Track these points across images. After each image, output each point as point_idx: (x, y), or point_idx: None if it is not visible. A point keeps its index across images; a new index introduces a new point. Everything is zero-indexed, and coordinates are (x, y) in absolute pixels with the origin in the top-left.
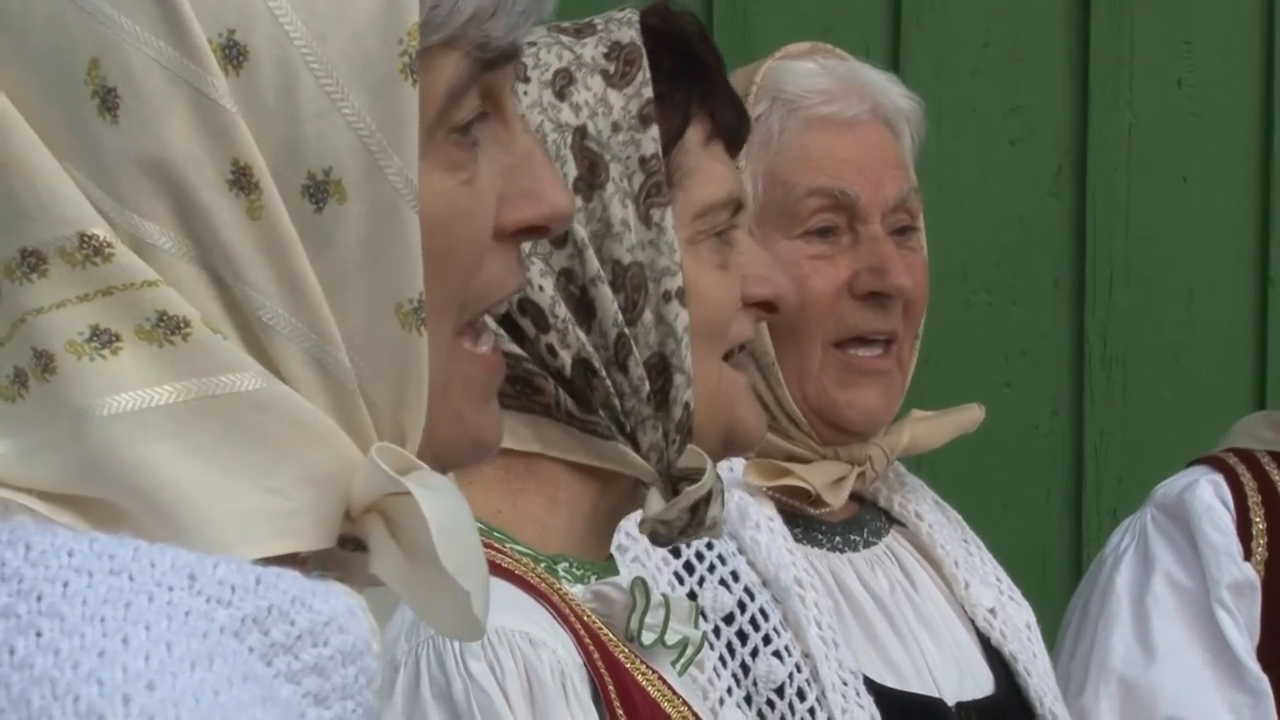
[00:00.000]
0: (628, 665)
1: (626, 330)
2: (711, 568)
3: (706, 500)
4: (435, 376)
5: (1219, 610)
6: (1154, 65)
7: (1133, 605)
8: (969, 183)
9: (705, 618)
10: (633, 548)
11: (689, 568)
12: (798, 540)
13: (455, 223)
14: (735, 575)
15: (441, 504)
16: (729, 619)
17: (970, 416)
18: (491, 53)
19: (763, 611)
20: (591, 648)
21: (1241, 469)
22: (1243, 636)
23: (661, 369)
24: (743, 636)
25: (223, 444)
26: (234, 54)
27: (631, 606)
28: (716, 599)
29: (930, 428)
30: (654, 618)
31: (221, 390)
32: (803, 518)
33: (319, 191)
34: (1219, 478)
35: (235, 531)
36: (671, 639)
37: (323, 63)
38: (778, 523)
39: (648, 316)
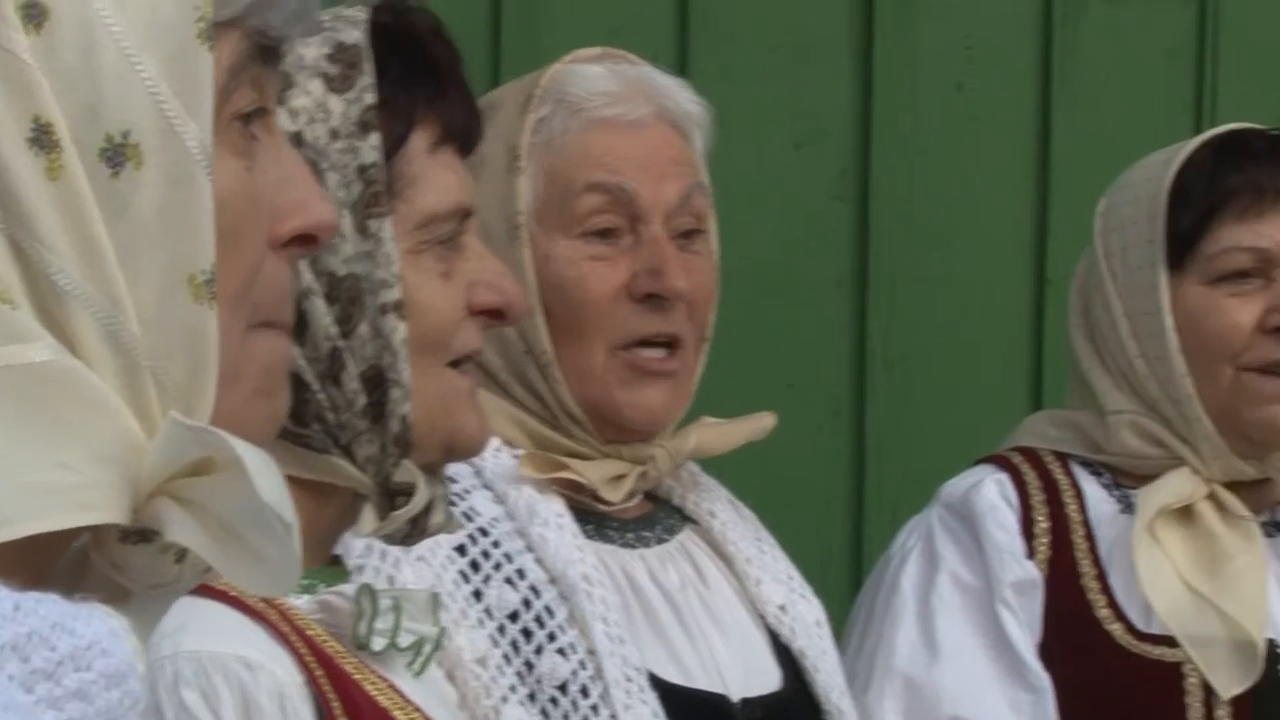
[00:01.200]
0: (356, 677)
1: (341, 343)
2: (497, 566)
3: (427, 510)
4: (225, 362)
5: (1001, 609)
6: (936, 69)
7: (918, 604)
8: (754, 185)
9: (489, 617)
10: (418, 546)
11: (474, 566)
12: (589, 537)
13: (242, 205)
14: (521, 573)
15: (248, 449)
16: (513, 617)
17: (760, 425)
18: (267, 40)
19: (548, 609)
20: (314, 665)
21: (1026, 468)
22: (1024, 634)
23: (378, 382)
24: (527, 634)
25: (11, 417)
26: (34, 13)
27: (359, 614)
28: (501, 597)
29: (718, 434)
30: (386, 622)
31: (11, 361)
32: (594, 515)
33: (116, 155)
34: (1004, 476)
35: (25, 504)
36: (406, 640)
37: (122, 25)
38: (567, 519)
39: (364, 329)
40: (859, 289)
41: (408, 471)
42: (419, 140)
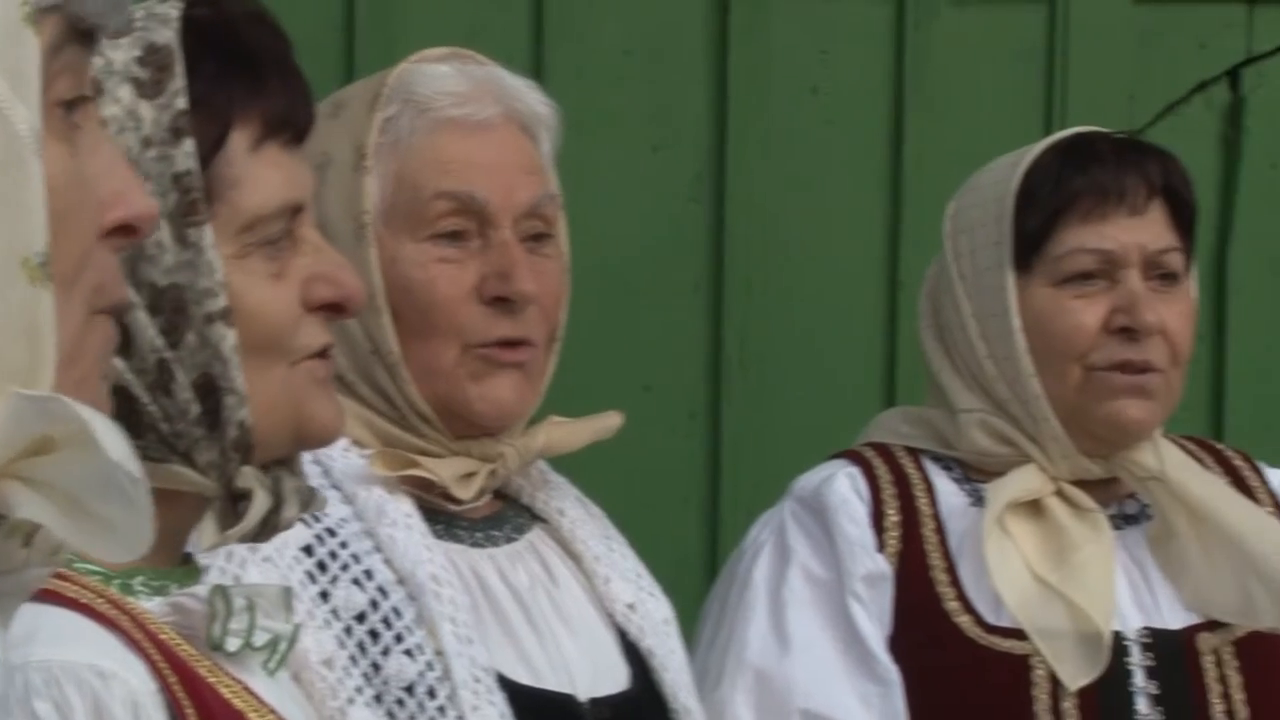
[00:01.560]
0: (211, 680)
1: (168, 354)
2: (345, 566)
3: (277, 509)
4: (63, 344)
5: (852, 602)
6: (791, 73)
7: (769, 597)
8: (611, 187)
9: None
10: (264, 546)
11: (321, 566)
12: (438, 537)
13: (71, 190)
14: (369, 573)
15: (90, 411)
16: (361, 617)
17: (607, 423)
18: (82, 25)
19: (396, 609)
20: (167, 671)
21: (878, 462)
22: (875, 627)
23: (210, 390)
24: (374, 635)
25: None
26: None
27: (212, 615)
28: (349, 598)
29: (566, 432)
30: (240, 622)
31: None
32: (444, 514)
33: None
34: (855, 471)
35: None
36: (261, 639)
37: None
38: (416, 519)
39: (191, 339)
40: (715, 291)
41: (247, 478)
42: (239, 140)
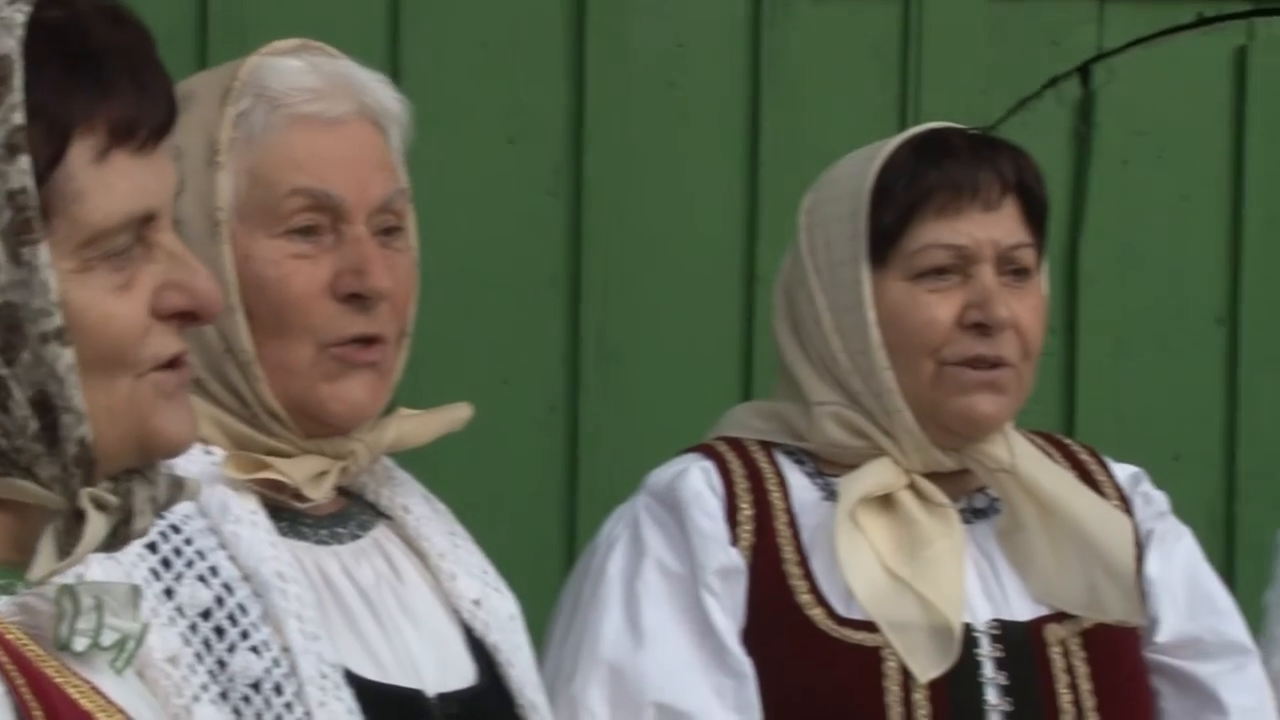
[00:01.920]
0: (58, 680)
1: (4, 372)
2: (190, 563)
3: (128, 521)
4: None
5: (705, 595)
6: (648, 67)
7: (623, 591)
8: (468, 180)
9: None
10: None
11: (166, 563)
12: (283, 534)
13: None
14: (214, 570)
15: None
16: (206, 614)
17: (457, 414)
18: None
19: (241, 606)
20: (14, 672)
21: (731, 456)
22: (728, 620)
23: (47, 408)
24: (219, 632)
25: None
26: None
27: (60, 614)
28: (194, 595)
29: (417, 425)
30: (88, 621)
31: None
32: (288, 511)
33: None
34: (709, 465)
35: None
36: (109, 639)
37: None
38: (261, 516)
39: (26, 357)
40: (573, 285)
41: (84, 500)
42: (81, 151)
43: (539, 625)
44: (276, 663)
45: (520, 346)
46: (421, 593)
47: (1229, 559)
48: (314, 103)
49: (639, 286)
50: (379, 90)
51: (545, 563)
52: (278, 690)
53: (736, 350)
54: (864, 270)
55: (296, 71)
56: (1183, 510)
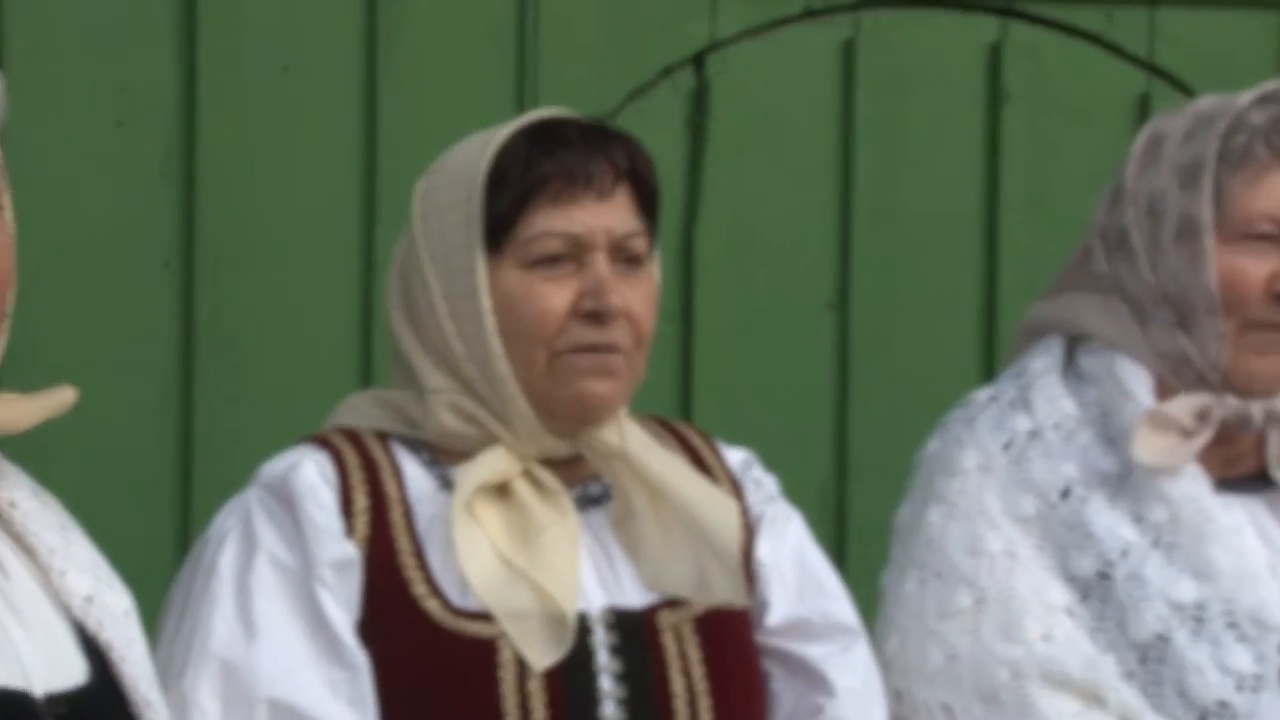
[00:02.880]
0: None
1: None
2: None
3: None
4: None
5: (319, 588)
6: (262, 51)
7: (235, 586)
8: (75, 163)
9: None
10: None
11: None
12: None
13: None
14: None
15: None
16: None
17: (60, 399)
18: None
19: None
20: None
21: (346, 447)
22: (343, 613)
23: None
24: None
25: None
26: None
27: None
28: None
29: (16, 410)
30: None
31: None
32: None
33: None
34: (323, 456)
35: None
36: None
37: None
38: None
39: None
40: (186, 269)
41: None
42: None
43: (154, 620)
44: None
45: (133, 334)
46: (29, 590)
47: (840, 541)
48: None
49: (255, 273)
50: None
51: (160, 556)
52: None
53: (355, 338)
54: (478, 257)
55: None
56: (795, 493)
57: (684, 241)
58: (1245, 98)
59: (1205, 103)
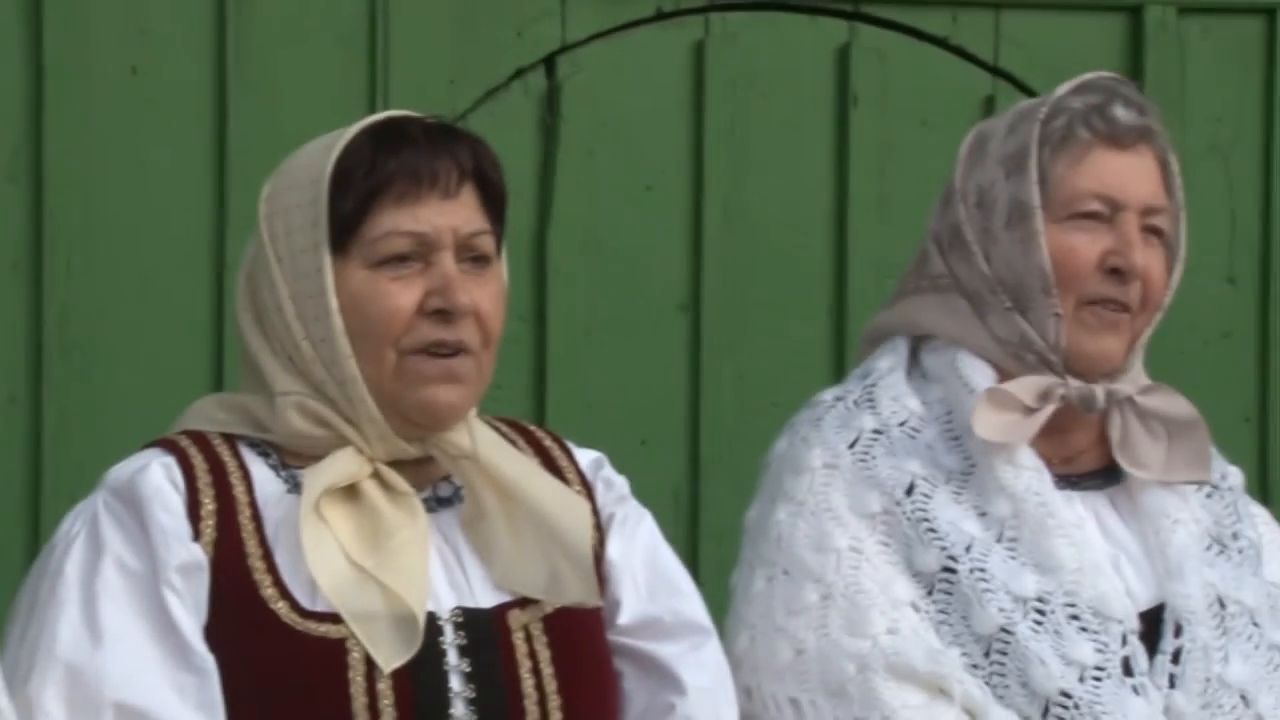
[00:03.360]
0: None
1: None
2: None
3: None
4: None
5: (167, 592)
6: (109, 52)
7: (81, 590)
8: None
9: None
10: None
11: None
12: None
13: None
14: None
15: None
16: None
17: None
18: None
19: None
20: None
21: (193, 451)
22: (190, 617)
23: None
24: None
25: None
26: None
27: None
28: None
29: None
30: None
31: None
32: None
33: None
34: (170, 460)
35: None
36: None
37: None
38: None
39: None
40: (34, 272)
41: None
42: None
43: (1, 625)
44: None
45: None
46: None
47: (693, 541)
48: None
49: (104, 274)
50: None
51: (8, 561)
52: None
53: (207, 340)
54: (325, 258)
55: None
56: (649, 494)
57: (536, 242)
58: (1063, 87)
59: (1024, 103)
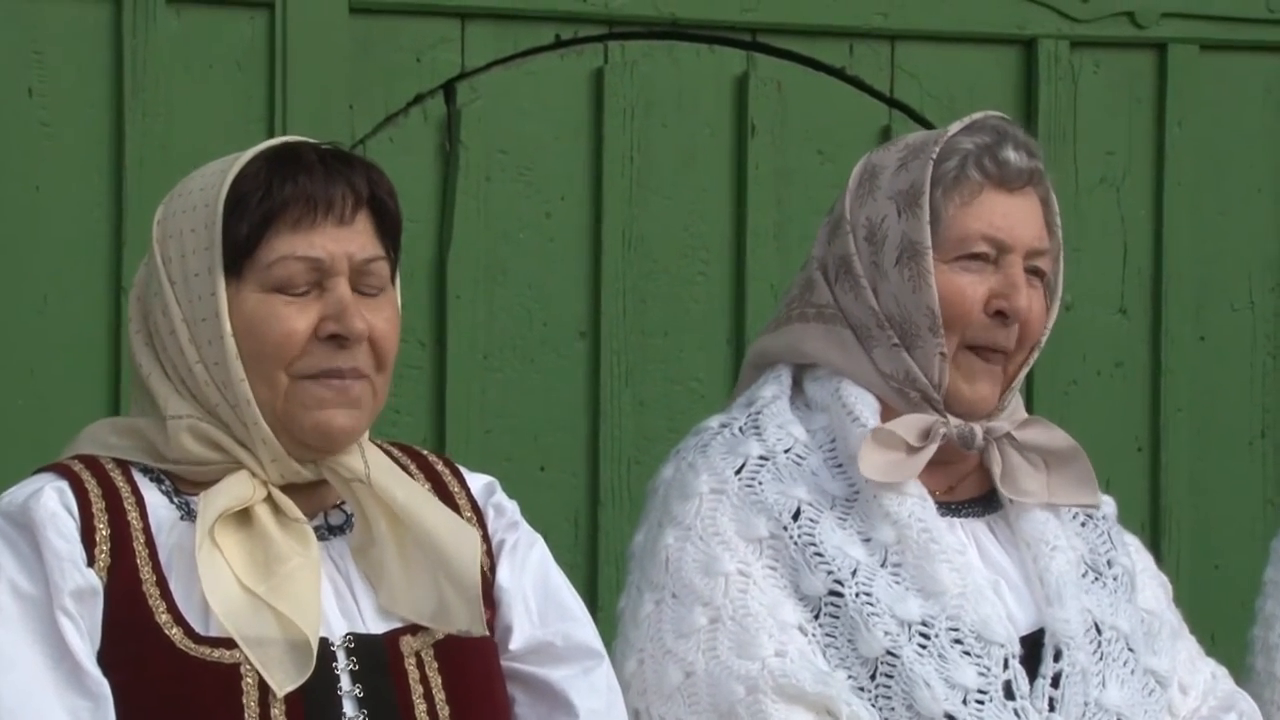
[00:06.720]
0: None
1: None
2: None
3: None
4: None
5: (61, 617)
6: (5, 73)
7: None
8: None
9: None
10: None
11: None
12: None
13: None
14: None
15: None
16: None
17: None
18: None
19: None
20: None
21: (87, 475)
22: (84, 642)
23: None
24: None
25: None
26: None
27: None
28: None
29: None
30: None
31: None
32: None
33: None
34: (64, 484)
35: None
36: None
37: None
38: None
39: None
40: None
41: None
42: None
43: None
44: None
45: None
46: None
47: (593, 567)
48: None
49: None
50: None
51: None
52: None
53: (104, 364)
54: (219, 281)
55: None
56: (549, 519)
57: (436, 268)
58: (954, 126)
59: (914, 136)
